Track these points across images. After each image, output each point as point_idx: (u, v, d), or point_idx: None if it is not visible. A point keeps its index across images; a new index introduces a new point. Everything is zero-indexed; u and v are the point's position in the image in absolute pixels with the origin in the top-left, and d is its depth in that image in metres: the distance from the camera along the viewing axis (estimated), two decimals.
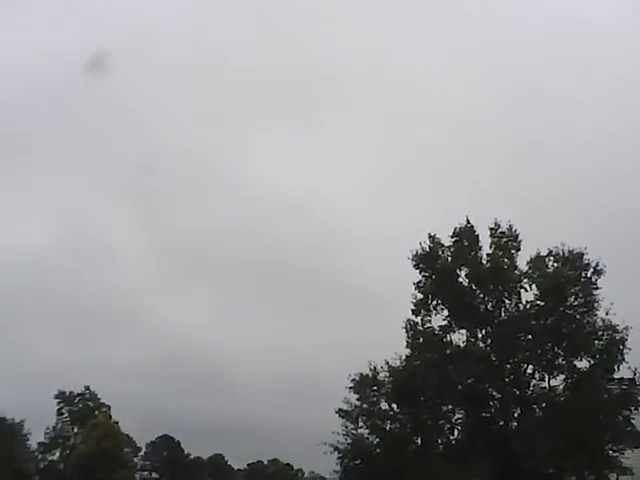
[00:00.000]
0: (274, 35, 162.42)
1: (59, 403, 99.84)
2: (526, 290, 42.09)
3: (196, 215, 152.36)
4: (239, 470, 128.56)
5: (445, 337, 42.64)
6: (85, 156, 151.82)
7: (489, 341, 42.07)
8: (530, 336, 41.35)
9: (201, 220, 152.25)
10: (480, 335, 42.35)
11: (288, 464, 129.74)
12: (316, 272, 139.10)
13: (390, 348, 42.93)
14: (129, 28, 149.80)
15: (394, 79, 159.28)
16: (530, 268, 42.14)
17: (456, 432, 42.73)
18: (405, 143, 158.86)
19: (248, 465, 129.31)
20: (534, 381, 41.27)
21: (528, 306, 41.97)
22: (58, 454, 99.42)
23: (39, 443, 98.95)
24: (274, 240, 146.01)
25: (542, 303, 41.37)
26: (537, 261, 42.16)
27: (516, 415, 41.60)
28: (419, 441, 43.25)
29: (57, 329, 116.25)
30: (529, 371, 41.48)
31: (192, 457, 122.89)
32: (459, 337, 42.48)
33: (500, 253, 42.59)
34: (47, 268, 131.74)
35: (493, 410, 41.80)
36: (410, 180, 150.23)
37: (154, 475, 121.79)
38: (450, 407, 42.61)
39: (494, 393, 41.74)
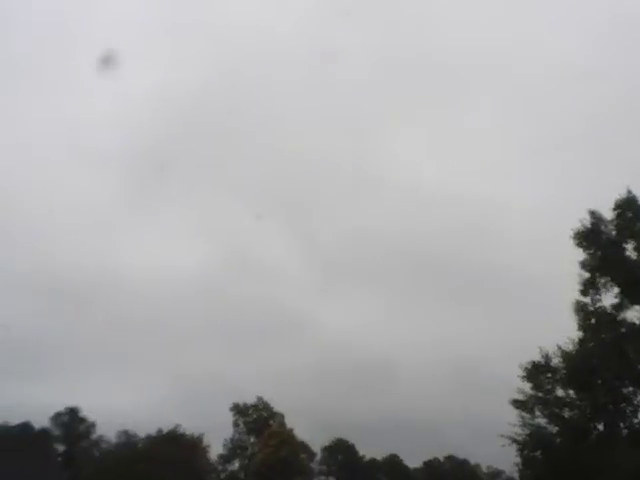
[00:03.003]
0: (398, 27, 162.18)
1: (234, 415, 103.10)
2: None
3: (341, 218, 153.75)
4: (415, 469, 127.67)
5: (618, 315, 40.83)
6: (228, 177, 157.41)
7: None
8: None
9: (346, 222, 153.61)
10: None
11: (465, 460, 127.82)
12: (472, 261, 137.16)
13: (560, 332, 41.52)
14: (258, 40, 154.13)
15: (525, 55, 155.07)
16: None
17: None
18: (550, 119, 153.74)
19: (424, 463, 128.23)
20: None
21: None
22: (238, 464, 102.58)
23: (219, 455, 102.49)
24: (424, 233, 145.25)
25: None
26: None
27: None
28: (601, 427, 41.39)
29: (224, 344, 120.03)
30: None
31: (367, 459, 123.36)
32: (634, 314, 40.64)
33: None
34: (208, 287, 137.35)
35: None
36: (562, 158, 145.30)
37: (331, 479, 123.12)
38: (631, 389, 40.54)
39: None
